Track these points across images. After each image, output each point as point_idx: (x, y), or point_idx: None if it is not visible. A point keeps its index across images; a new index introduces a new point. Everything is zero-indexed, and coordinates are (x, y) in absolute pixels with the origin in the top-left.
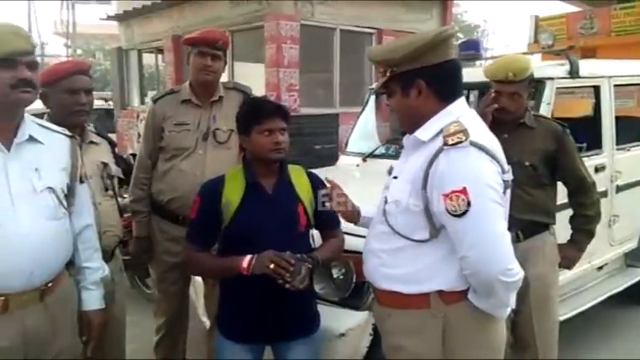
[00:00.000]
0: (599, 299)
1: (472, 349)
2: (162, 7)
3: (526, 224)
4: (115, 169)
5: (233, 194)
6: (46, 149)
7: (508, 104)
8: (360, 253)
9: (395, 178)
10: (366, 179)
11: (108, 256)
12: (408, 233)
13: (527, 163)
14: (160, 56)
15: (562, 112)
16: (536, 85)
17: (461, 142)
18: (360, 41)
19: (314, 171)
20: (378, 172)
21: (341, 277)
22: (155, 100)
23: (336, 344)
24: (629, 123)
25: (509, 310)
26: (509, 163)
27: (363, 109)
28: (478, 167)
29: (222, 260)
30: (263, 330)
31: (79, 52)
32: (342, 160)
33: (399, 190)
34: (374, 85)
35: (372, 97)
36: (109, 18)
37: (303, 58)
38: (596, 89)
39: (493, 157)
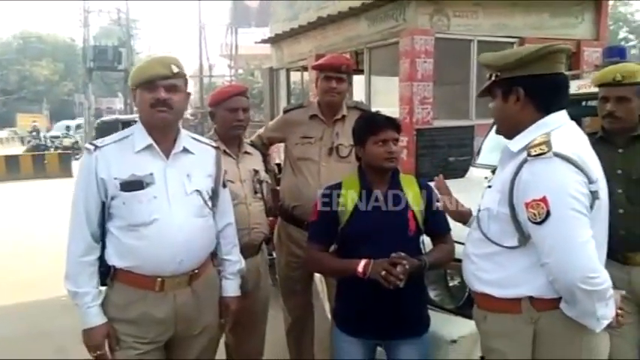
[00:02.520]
0: None
1: (563, 357)
2: (308, 29)
3: None
4: (264, 175)
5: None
6: (196, 158)
7: (616, 109)
8: None
9: (489, 187)
10: None
11: (255, 249)
12: (499, 240)
13: None
14: (305, 74)
15: None
16: None
17: (543, 153)
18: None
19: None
20: None
21: (457, 285)
22: (286, 111)
23: (447, 350)
24: None
25: (604, 322)
26: (628, 180)
27: (495, 121)
28: (560, 177)
29: (340, 261)
30: (374, 326)
31: (240, 71)
32: (472, 172)
33: (490, 199)
34: None
35: None
36: (263, 41)
37: (439, 70)
38: None
39: (578, 167)
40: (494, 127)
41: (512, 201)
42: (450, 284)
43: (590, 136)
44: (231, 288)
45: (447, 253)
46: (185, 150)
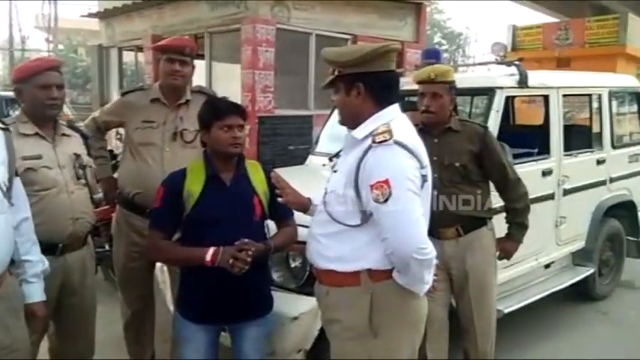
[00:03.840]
0: (545, 294)
1: (394, 320)
2: (143, 6)
3: (465, 220)
4: (87, 160)
5: (194, 185)
6: None
7: (430, 104)
8: None
9: (335, 171)
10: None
11: (80, 242)
12: (343, 219)
13: (457, 164)
14: (139, 54)
15: (521, 119)
16: (488, 93)
17: (386, 140)
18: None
19: (283, 169)
20: None
21: (298, 265)
22: (124, 94)
23: (290, 327)
24: (578, 131)
25: (426, 286)
26: (441, 165)
27: (332, 112)
28: (399, 162)
29: (186, 250)
30: (219, 311)
31: (60, 47)
32: (311, 159)
33: (336, 182)
34: None
35: None
36: (91, 15)
37: (279, 60)
38: (546, 99)
39: (413, 153)
40: (337, 117)
41: (357, 183)
42: (292, 265)
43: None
44: (36, 292)
45: (290, 236)
46: None
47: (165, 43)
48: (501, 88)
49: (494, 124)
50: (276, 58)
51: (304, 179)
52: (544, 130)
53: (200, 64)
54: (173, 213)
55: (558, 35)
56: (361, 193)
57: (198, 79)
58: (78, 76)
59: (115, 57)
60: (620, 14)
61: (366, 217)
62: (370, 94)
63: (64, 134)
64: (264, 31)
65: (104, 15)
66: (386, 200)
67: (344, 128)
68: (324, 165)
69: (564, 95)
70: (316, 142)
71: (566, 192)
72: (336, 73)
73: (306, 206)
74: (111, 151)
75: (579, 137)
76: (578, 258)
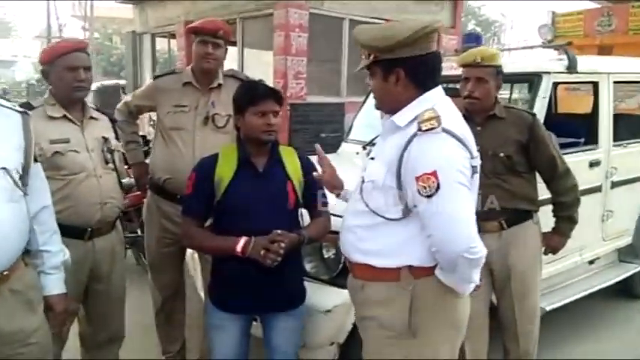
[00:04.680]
0: (589, 291)
1: (434, 320)
2: None
3: (508, 213)
4: (115, 144)
5: (226, 171)
6: None
7: (475, 89)
8: None
9: (372, 159)
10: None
11: (109, 227)
12: (383, 211)
13: (502, 154)
14: (172, 41)
15: (563, 107)
16: (534, 79)
17: (434, 128)
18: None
19: (315, 157)
20: None
21: (332, 256)
22: (156, 77)
23: (323, 320)
24: (628, 120)
25: (472, 286)
26: (485, 155)
27: (366, 99)
28: (448, 152)
29: (218, 239)
30: (251, 301)
31: (96, 35)
32: (344, 147)
33: (375, 171)
34: None
35: None
36: (125, 1)
37: (311, 46)
38: (595, 85)
39: (463, 142)
40: (373, 103)
41: (399, 174)
42: (326, 256)
43: None
44: (55, 285)
45: (324, 226)
46: None
47: (199, 25)
48: (548, 73)
49: (539, 113)
50: (308, 43)
51: (337, 166)
52: (592, 118)
53: (232, 51)
54: (204, 199)
55: (600, 22)
56: (404, 185)
57: (230, 66)
58: (113, 64)
59: (148, 43)
60: None
61: (408, 210)
62: (411, 80)
63: (92, 117)
64: (297, 15)
65: (138, 1)
66: (433, 195)
67: (378, 116)
68: (357, 153)
69: (615, 82)
70: (349, 129)
71: (614, 184)
72: (371, 58)
73: (339, 190)
74: (143, 136)
75: (629, 127)
76: (624, 254)
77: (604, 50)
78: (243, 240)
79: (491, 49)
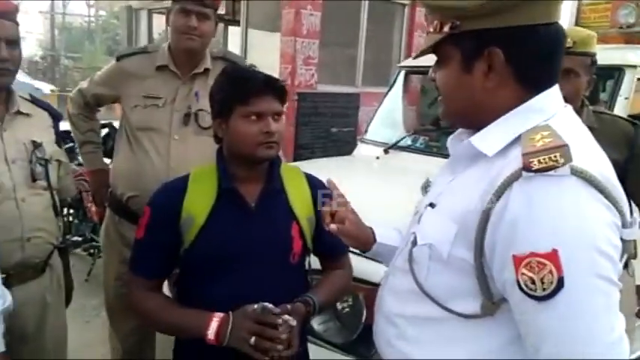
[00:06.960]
0: None
1: None
2: None
3: None
4: (51, 151)
5: (198, 205)
6: None
7: (561, 85)
8: (376, 284)
9: (431, 206)
10: (387, 178)
11: (36, 270)
12: (446, 299)
13: None
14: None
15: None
16: (613, 74)
17: (556, 167)
18: (391, 13)
19: (325, 160)
20: (404, 169)
21: (347, 310)
22: (120, 57)
23: None
24: None
25: None
26: None
27: (389, 90)
28: (583, 215)
29: (180, 314)
30: None
31: (102, 13)
32: (360, 149)
33: (436, 229)
34: (405, 63)
35: (401, 77)
36: None
37: (324, 28)
38: None
39: (609, 197)
40: (440, 112)
41: (481, 243)
42: (339, 307)
43: None
44: None
45: (343, 284)
46: None
47: None
48: (633, 66)
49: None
50: (321, 24)
51: (353, 177)
52: None
53: (234, 32)
54: (164, 249)
55: (629, 11)
56: (489, 262)
57: (233, 49)
58: (118, 43)
59: (144, 20)
60: None
61: (494, 305)
62: (514, 69)
63: (19, 112)
64: None
65: None
66: (551, 295)
67: (402, 112)
68: (377, 158)
69: None
70: (367, 126)
71: None
72: (446, 29)
73: (367, 244)
74: (114, 128)
75: None
76: None
77: (632, 42)
78: (215, 320)
79: (586, 32)
